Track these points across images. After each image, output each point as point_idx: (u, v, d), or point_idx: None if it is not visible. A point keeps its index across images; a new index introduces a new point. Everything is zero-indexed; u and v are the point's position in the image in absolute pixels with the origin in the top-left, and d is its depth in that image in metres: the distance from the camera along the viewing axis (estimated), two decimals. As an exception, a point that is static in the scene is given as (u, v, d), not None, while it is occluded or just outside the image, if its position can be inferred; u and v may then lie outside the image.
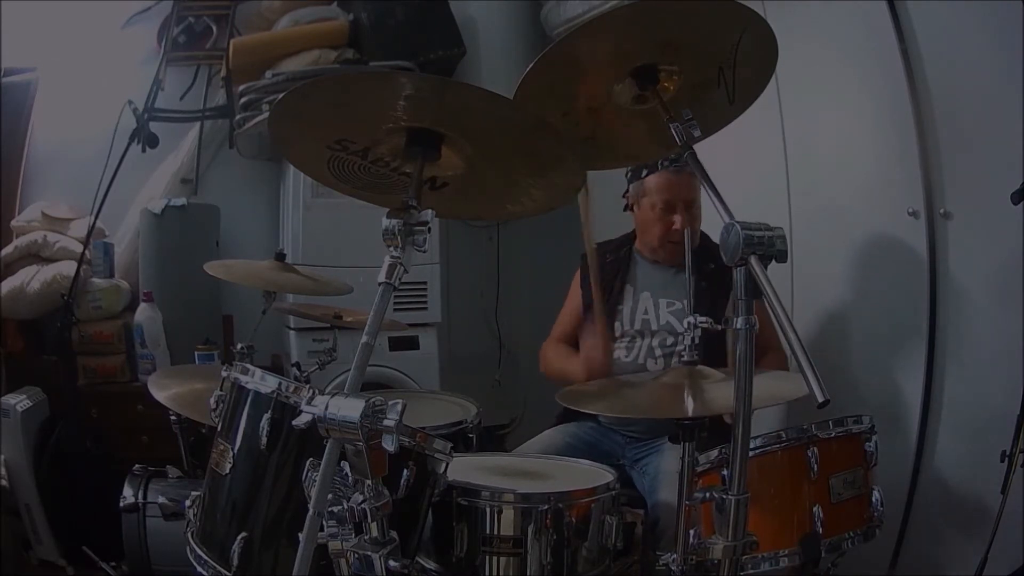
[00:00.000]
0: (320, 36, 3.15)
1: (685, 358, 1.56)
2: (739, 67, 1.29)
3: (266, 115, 2.79)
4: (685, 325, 1.53)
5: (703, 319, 1.51)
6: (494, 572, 1.45)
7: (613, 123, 1.41)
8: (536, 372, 2.34)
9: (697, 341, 1.55)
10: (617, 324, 2.13)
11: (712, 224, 1.13)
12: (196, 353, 2.73)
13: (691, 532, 1.30)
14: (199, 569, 1.36)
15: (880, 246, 2.19)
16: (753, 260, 1.06)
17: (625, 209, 2.23)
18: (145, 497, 2.00)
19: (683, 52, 1.28)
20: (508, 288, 3.63)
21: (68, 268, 2.81)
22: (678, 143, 1.24)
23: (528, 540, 1.43)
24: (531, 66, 1.29)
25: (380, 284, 1.14)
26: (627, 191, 2.19)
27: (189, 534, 1.43)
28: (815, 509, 1.49)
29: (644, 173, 2.11)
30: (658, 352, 2.08)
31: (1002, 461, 1.71)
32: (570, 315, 2.29)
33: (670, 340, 2.08)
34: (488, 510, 1.45)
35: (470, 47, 3.24)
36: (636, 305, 2.14)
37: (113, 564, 2.33)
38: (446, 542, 1.47)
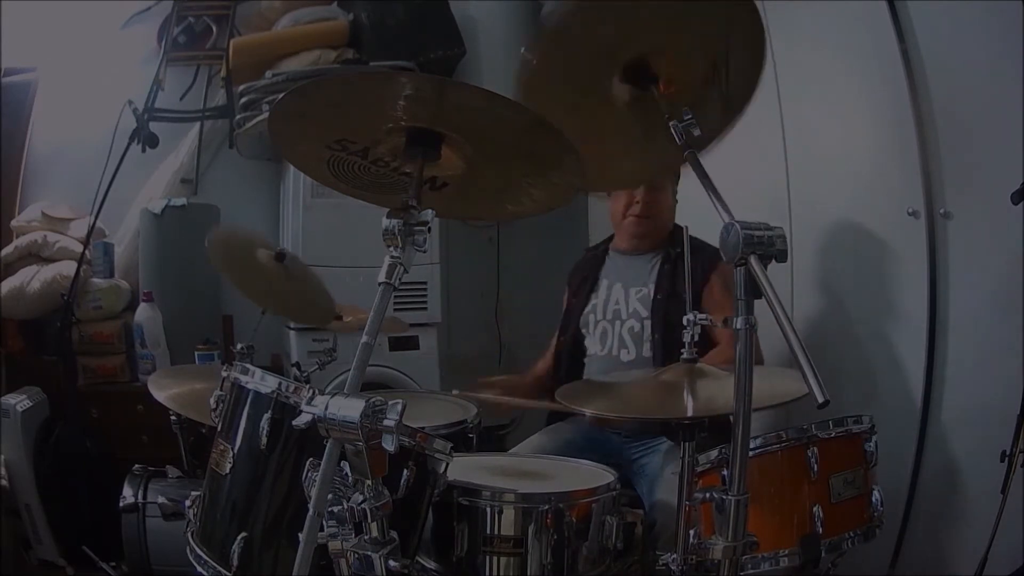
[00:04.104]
0: (320, 36, 3.15)
1: (685, 355, 1.56)
2: (731, 65, 1.29)
3: (266, 115, 2.79)
4: (684, 323, 1.53)
5: (702, 316, 1.51)
6: (494, 572, 1.45)
7: (612, 123, 1.41)
8: (536, 372, 2.33)
9: (696, 339, 1.55)
10: (591, 316, 2.20)
11: (712, 224, 1.13)
12: (196, 353, 2.73)
13: (691, 532, 1.29)
14: (199, 569, 1.36)
15: (880, 246, 2.19)
16: (753, 260, 1.06)
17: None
18: (145, 497, 2.00)
19: (677, 52, 1.28)
20: (508, 288, 3.62)
21: (68, 268, 2.82)
22: (678, 143, 1.24)
23: (528, 540, 1.43)
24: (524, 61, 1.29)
25: (380, 284, 1.14)
26: None
27: (189, 534, 1.43)
28: (815, 509, 1.49)
29: None
30: (628, 340, 2.12)
31: (1002, 461, 1.71)
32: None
33: (637, 327, 2.12)
34: (489, 510, 1.45)
35: (470, 47, 3.24)
36: (609, 295, 2.21)
37: (113, 564, 2.33)
38: (446, 542, 1.47)
